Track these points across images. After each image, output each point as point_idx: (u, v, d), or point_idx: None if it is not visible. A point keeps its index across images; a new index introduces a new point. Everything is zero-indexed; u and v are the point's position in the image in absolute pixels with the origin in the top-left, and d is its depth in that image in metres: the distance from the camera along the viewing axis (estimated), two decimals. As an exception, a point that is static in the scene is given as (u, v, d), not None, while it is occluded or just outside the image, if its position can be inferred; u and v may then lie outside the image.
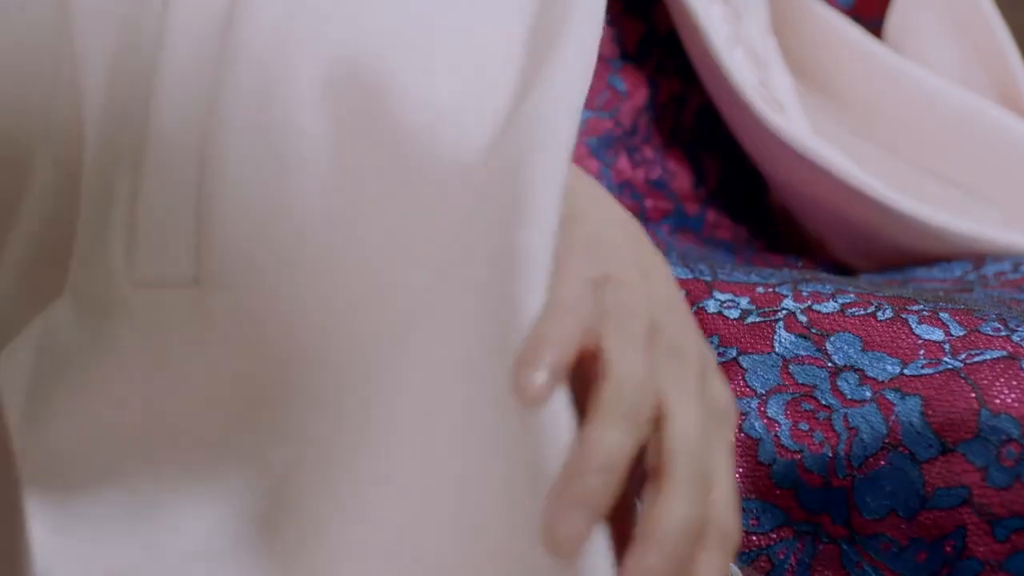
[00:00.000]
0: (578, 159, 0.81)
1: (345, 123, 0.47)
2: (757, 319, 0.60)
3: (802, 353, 0.58)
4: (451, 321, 0.43)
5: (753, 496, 0.55)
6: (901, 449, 0.53)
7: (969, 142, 0.84)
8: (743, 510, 0.55)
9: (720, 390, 0.42)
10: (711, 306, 0.62)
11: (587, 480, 0.36)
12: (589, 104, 0.82)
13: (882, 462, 0.53)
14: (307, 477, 0.46)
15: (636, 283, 0.42)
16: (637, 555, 0.36)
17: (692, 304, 0.63)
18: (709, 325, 0.61)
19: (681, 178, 0.85)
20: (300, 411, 0.47)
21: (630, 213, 0.79)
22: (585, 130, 0.82)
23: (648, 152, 0.84)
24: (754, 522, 0.55)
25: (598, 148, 0.82)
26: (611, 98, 0.83)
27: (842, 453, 0.54)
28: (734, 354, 0.59)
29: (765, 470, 0.55)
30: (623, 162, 0.82)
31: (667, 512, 0.37)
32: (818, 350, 0.58)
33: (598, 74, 0.83)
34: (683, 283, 0.64)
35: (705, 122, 0.86)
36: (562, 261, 0.41)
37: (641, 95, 0.84)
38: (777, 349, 0.59)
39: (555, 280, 0.40)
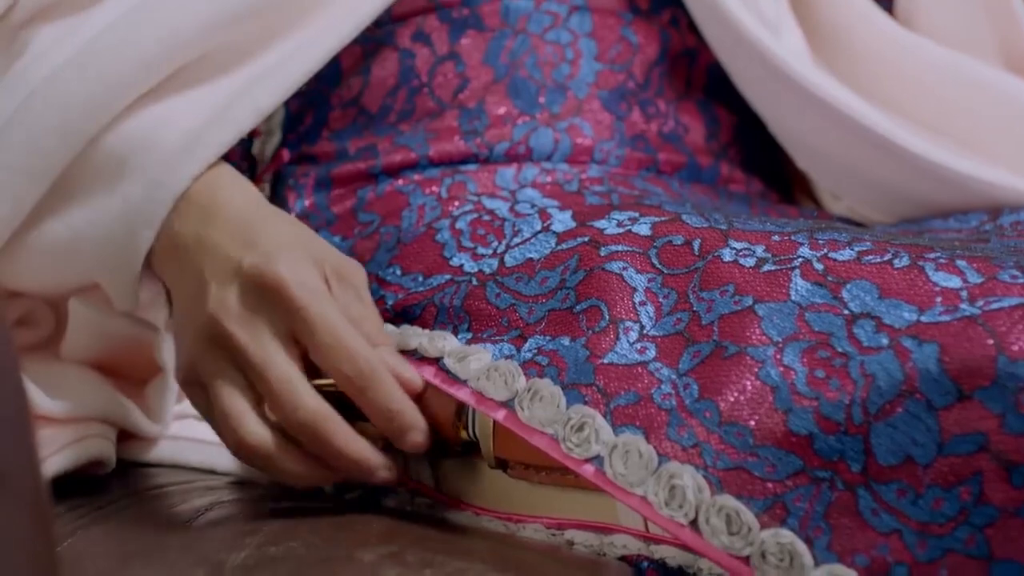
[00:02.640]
0: (591, 112, 0.81)
1: None
2: (773, 267, 0.60)
3: (818, 301, 0.58)
4: None
5: (769, 443, 0.55)
6: (917, 396, 0.53)
7: (978, 106, 0.84)
8: (759, 457, 0.55)
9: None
10: (726, 255, 0.62)
11: None
12: (601, 57, 0.82)
13: (899, 409, 0.53)
14: None
15: None
16: None
17: (707, 253, 0.62)
18: (724, 274, 0.61)
19: (694, 131, 0.84)
20: None
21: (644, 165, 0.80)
22: (596, 82, 0.81)
23: (661, 105, 0.84)
24: (770, 469, 0.55)
25: (611, 101, 0.82)
26: (624, 51, 0.83)
27: (859, 400, 0.54)
28: (750, 303, 0.59)
29: (781, 417, 0.55)
30: (636, 115, 0.82)
31: None
32: (834, 298, 0.58)
33: (609, 27, 0.83)
34: (697, 231, 0.64)
35: (717, 75, 0.86)
36: None
37: (654, 48, 0.84)
38: (793, 297, 0.59)
39: None
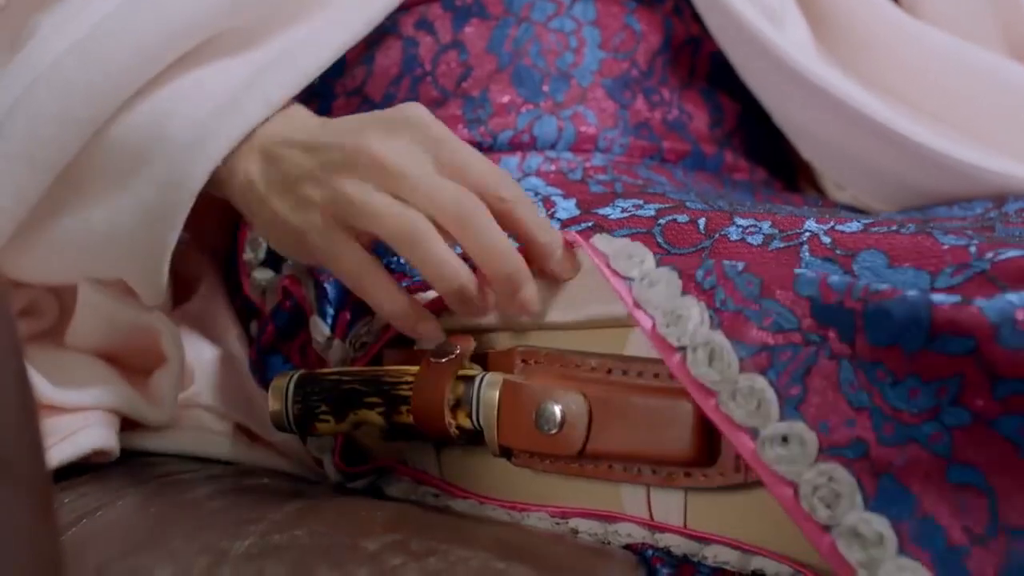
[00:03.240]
0: (595, 100, 0.80)
1: None
2: (780, 244, 0.60)
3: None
4: None
5: (773, 296, 0.55)
6: (917, 291, 0.53)
7: (982, 94, 0.84)
8: (760, 307, 0.55)
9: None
10: (733, 233, 0.62)
11: None
12: (605, 45, 0.82)
13: (896, 295, 0.52)
14: None
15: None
16: None
17: (714, 232, 0.62)
18: (732, 253, 0.61)
19: (698, 119, 0.84)
20: None
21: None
22: (599, 70, 0.81)
23: (665, 93, 0.83)
24: (767, 320, 0.55)
25: (614, 89, 0.81)
26: (627, 39, 0.83)
27: (860, 285, 0.54)
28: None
29: (791, 277, 0.55)
30: (640, 103, 0.82)
31: None
32: (844, 271, 0.58)
33: (613, 15, 0.82)
34: (703, 213, 0.64)
35: (721, 63, 0.85)
36: None
37: (657, 37, 0.84)
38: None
39: None
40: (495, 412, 0.62)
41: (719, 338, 0.55)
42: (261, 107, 0.70)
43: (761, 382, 0.54)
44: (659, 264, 0.59)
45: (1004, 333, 0.50)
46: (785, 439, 0.53)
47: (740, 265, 0.57)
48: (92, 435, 0.73)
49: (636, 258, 0.60)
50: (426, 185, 0.62)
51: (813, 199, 0.85)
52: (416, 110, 0.64)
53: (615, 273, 0.60)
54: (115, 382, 0.77)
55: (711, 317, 0.56)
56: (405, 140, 0.63)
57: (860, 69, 0.85)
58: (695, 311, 0.56)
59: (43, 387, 0.73)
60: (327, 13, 0.75)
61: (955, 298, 0.51)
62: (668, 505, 0.60)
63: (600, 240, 0.62)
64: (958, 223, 0.72)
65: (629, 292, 0.59)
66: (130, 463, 0.75)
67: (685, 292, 0.58)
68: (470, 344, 0.65)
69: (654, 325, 0.57)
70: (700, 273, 0.58)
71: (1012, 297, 0.50)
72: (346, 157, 0.63)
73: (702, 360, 0.56)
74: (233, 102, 0.69)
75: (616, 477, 0.61)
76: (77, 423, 0.73)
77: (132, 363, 0.79)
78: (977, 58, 0.84)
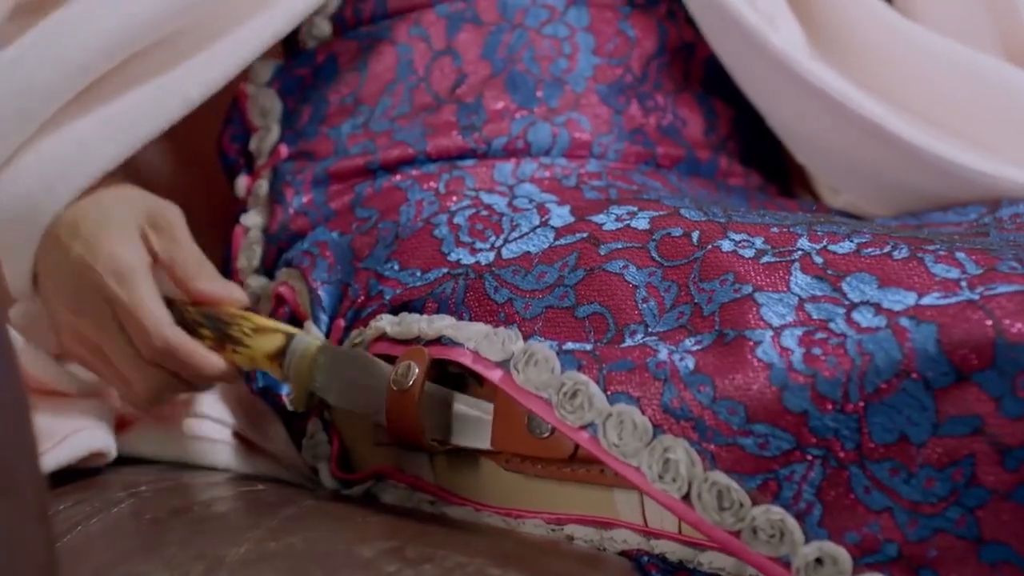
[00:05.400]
0: (589, 106, 0.81)
1: None
2: (772, 259, 0.60)
3: (818, 293, 0.58)
4: None
5: (763, 420, 0.55)
6: (915, 376, 0.53)
7: (977, 97, 0.84)
8: (752, 434, 0.55)
9: None
10: (725, 245, 0.62)
11: None
12: (599, 51, 0.82)
13: (896, 388, 0.53)
14: None
15: None
16: None
17: (706, 243, 0.62)
18: (724, 262, 0.61)
19: (693, 124, 0.84)
20: None
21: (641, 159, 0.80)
22: (593, 76, 0.81)
23: (659, 98, 0.83)
24: (763, 445, 0.55)
25: (608, 95, 0.81)
26: (621, 44, 0.83)
27: (856, 378, 0.54)
28: (749, 291, 0.59)
29: (776, 394, 0.55)
30: (634, 109, 0.82)
31: None
32: (835, 290, 0.58)
33: (607, 20, 0.83)
34: (696, 224, 0.64)
35: (715, 68, 0.86)
36: None
37: (651, 42, 0.84)
38: (793, 289, 0.59)
39: None
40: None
41: (721, 478, 0.55)
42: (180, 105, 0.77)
43: (778, 512, 0.54)
44: (610, 393, 0.58)
45: (1007, 403, 0.50)
46: (819, 561, 0.53)
47: (707, 382, 0.57)
48: (87, 438, 0.73)
49: (566, 390, 0.59)
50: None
51: (808, 204, 0.85)
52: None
53: (567, 426, 0.59)
54: None
55: (701, 453, 0.55)
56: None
57: (854, 71, 0.85)
58: (680, 452, 0.56)
59: (45, 368, 0.74)
60: (253, 22, 0.79)
61: (952, 376, 0.51)
62: (662, 511, 0.60)
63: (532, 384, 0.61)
64: (952, 228, 0.72)
65: (602, 451, 0.58)
66: (125, 470, 0.75)
67: (657, 428, 0.57)
68: (424, 359, 0.65)
69: (647, 478, 0.57)
70: (666, 402, 0.57)
71: (1005, 365, 0.51)
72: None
73: (712, 504, 0.55)
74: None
75: (608, 481, 0.61)
76: (71, 426, 0.73)
77: None
78: (971, 60, 0.84)
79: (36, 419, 0.70)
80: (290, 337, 0.71)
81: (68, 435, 0.72)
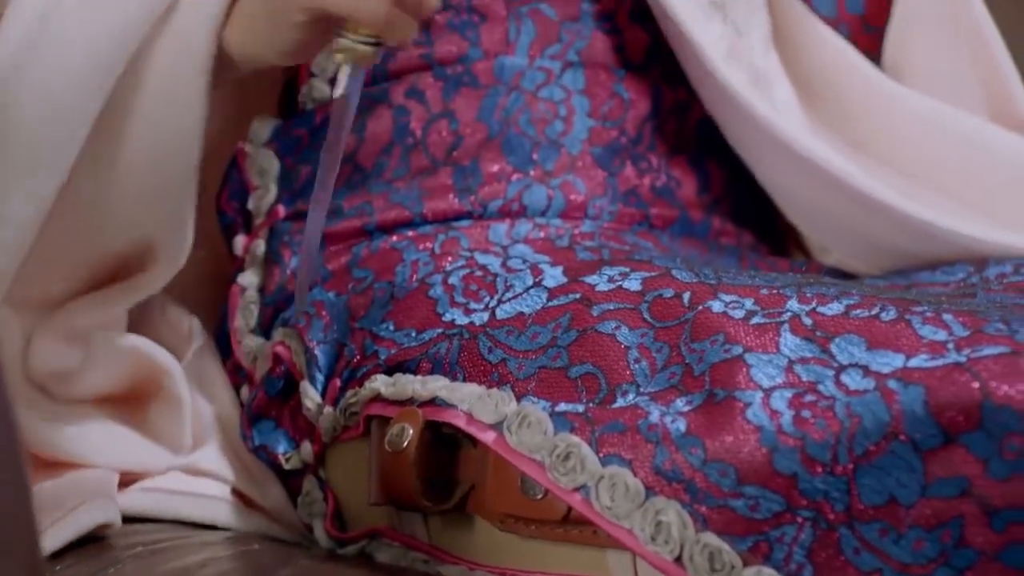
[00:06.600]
0: (584, 168, 0.81)
1: None
2: (762, 320, 0.61)
3: (808, 355, 0.59)
4: None
5: (753, 482, 0.56)
6: (903, 438, 0.54)
7: (965, 158, 0.85)
8: (743, 496, 0.55)
9: None
10: (716, 306, 0.63)
11: None
12: (594, 113, 0.83)
13: (884, 450, 0.53)
14: None
15: None
16: None
17: (697, 304, 0.63)
18: (714, 323, 0.62)
19: (686, 185, 0.85)
20: None
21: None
22: (589, 139, 0.82)
23: (653, 160, 0.84)
24: (753, 507, 0.55)
25: (603, 157, 0.82)
26: (616, 107, 0.84)
27: (844, 440, 0.55)
28: (739, 351, 0.60)
29: (766, 456, 0.56)
30: (629, 170, 0.83)
31: None
32: (823, 351, 0.58)
33: (602, 83, 0.83)
34: (687, 285, 0.65)
35: (709, 128, 0.87)
36: None
37: (645, 103, 0.85)
38: (783, 350, 0.59)
39: None
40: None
41: (713, 540, 0.55)
42: None
43: (769, 573, 0.54)
44: (603, 456, 0.59)
45: (994, 466, 0.51)
46: None
47: (698, 444, 0.57)
48: (94, 511, 0.72)
49: (559, 452, 0.60)
50: None
51: (799, 264, 0.86)
52: None
53: (560, 488, 0.59)
54: (120, 431, 0.77)
55: (693, 515, 0.56)
56: None
57: (843, 130, 0.87)
58: (672, 514, 0.56)
59: (56, 439, 0.73)
60: None
61: (940, 438, 0.52)
62: (655, 572, 0.60)
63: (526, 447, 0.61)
64: (940, 288, 0.73)
65: (594, 513, 0.58)
66: (122, 529, 0.75)
67: (649, 490, 0.57)
68: (418, 420, 0.65)
69: (639, 540, 0.57)
70: (658, 464, 0.57)
71: (991, 427, 0.52)
72: None
73: (703, 567, 0.55)
74: None
75: (601, 542, 0.61)
76: (77, 497, 0.72)
77: (134, 404, 0.80)
78: (959, 122, 0.86)
79: (42, 491, 0.71)
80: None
81: (74, 508, 0.71)
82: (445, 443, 0.66)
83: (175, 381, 0.78)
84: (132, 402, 0.80)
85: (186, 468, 0.79)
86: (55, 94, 0.70)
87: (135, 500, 0.78)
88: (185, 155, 0.72)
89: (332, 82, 0.82)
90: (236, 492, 0.79)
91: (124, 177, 0.72)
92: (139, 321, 0.81)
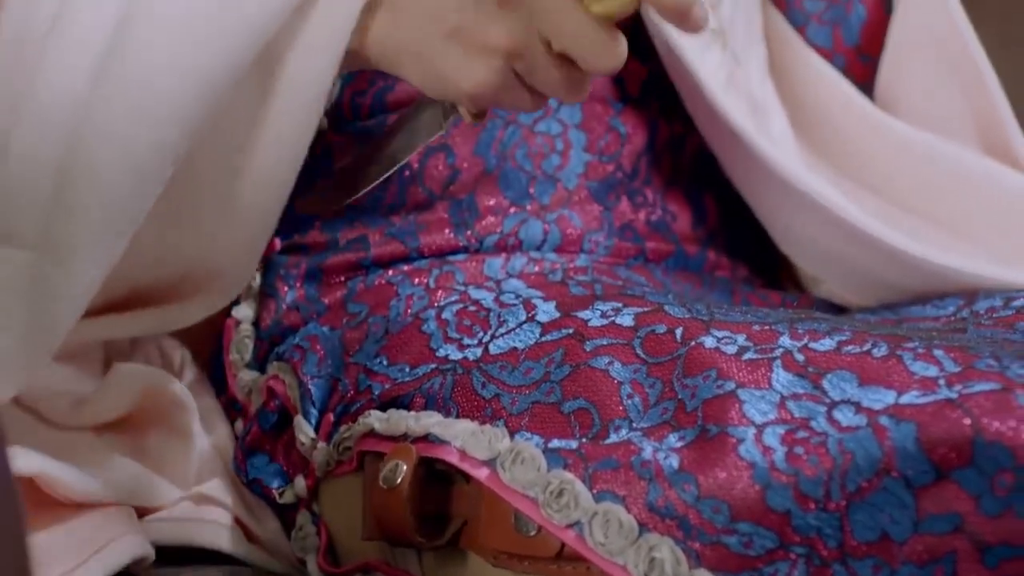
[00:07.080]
0: (579, 203, 0.82)
1: None
2: (755, 356, 0.61)
3: (800, 391, 0.59)
4: None
5: (746, 519, 0.56)
6: (895, 474, 0.54)
7: (957, 190, 0.86)
8: (736, 532, 0.55)
9: None
10: (708, 342, 0.63)
11: None
12: (591, 148, 0.83)
13: (876, 487, 0.54)
14: None
15: None
16: None
17: (689, 340, 0.63)
18: (707, 359, 0.62)
19: (682, 219, 0.86)
20: None
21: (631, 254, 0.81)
22: (585, 173, 0.83)
23: (649, 194, 0.85)
24: (747, 544, 0.55)
25: (599, 191, 0.83)
26: (612, 141, 0.84)
27: (837, 477, 0.55)
28: (732, 387, 0.60)
29: (759, 493, 0.56)
30: (624, 205, 0.83)
31: None
32: (815, 387, 0.59)
33: (598, 117, 0.84)
34: (680, 321, 0.65)
35: (704, 162, 0.87)
36: None
37: (641, 137, 0.85)
38: (775, 386, 0.59)
39: None
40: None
41: None
42: None
43: None
44: (596, 492, 0.59)
45: (985, 502, 0.52)
46: None
47: (691, 481, 0.57)
48: (126, 546, 0.70)
49: (552, 489, 0.60)
50: None
51: (791, 298, 0.86)
52: None
53: (553, 525, 0.60)
54: (133, 465, 0.76)
55: (686, 552, 0.56)
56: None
57: (836, 160, 0.88)
58: (666, 551, 0.57)
59: (78, 481, 0.72)
60: None
61: (932, 475, 0.52)
62: (648, 608, 0.60)
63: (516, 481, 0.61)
64: (931, 323, 0.73)
65: (588, 550, 0.58)
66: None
67: (643, 526, 0.58)
68: (412, 457, 0.65)
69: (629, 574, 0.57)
70: (652, 501, 0.58)
71: (983, 463, 0.52)
72: None
73: None
74: None
75: (594, 580, 0.61)
76: (109, 533, 0.71)
77: (129, 428, 0.79)
78: (951, 155, 0.86)
79: (71, 531, 0.69)
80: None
81: (109, 542, 0.70)
82: (438, 479, 0.66)
83: (188, 416, 0.77)
84: (130, 429, 0.80)
85: (193, 497, 0.79)
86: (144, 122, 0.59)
87: (153, 530, 0.77)
88: (290, 167, 0.67)
89: (330, 113, 0.82)
90: (238, 521, 0.79)
91: (216, 191, 0.65)
92: (133, 351, 0.81)
